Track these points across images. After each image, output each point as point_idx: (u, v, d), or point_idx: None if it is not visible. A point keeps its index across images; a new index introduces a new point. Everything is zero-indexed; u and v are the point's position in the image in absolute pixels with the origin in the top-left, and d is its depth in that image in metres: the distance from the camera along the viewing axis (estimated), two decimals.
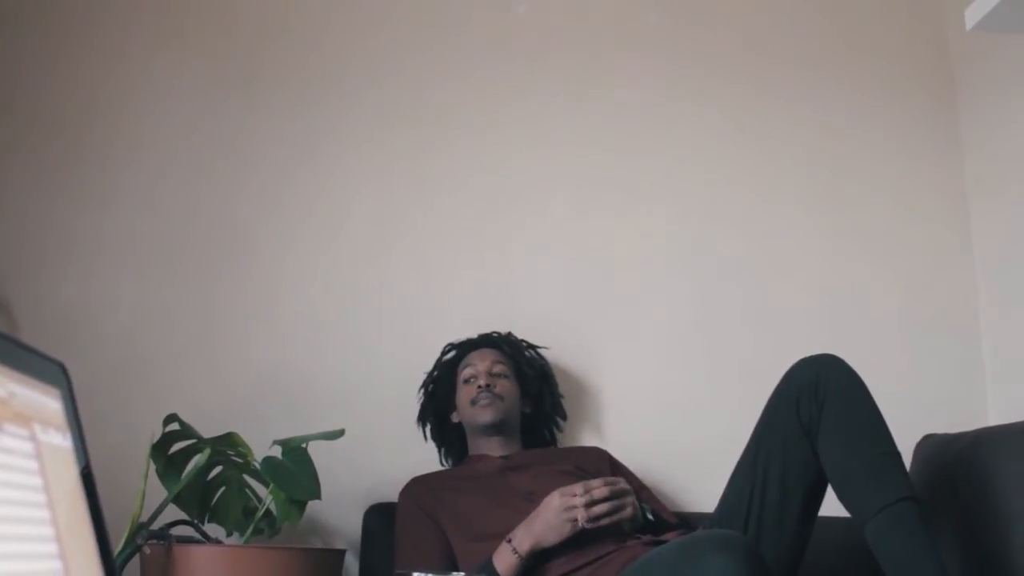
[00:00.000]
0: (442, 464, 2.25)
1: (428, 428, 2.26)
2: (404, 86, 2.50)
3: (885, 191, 2.57)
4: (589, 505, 1.78)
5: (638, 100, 2.56)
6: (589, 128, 2.53)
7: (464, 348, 2.26)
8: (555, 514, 1.79)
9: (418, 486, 2.07)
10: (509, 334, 2.29)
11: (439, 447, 2.26)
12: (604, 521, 1.79)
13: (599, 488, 1.81)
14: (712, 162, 2.55)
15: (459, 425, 2.22)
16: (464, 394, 2.17)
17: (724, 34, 2.62)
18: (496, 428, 2.13)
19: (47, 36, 2.38)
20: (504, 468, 2.08)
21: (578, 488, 1.79)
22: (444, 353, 2.27)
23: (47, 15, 2.39)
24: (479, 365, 2.18)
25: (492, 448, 2.14)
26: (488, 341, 2.26)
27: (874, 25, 2.67)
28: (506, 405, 2.14)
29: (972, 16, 2.08)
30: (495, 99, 2.53)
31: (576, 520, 1.77)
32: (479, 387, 2.13)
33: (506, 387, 2.17)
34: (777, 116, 2.59)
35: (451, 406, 2.22)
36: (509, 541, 1.81)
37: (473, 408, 2.13)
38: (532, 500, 1.92)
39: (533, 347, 2.31)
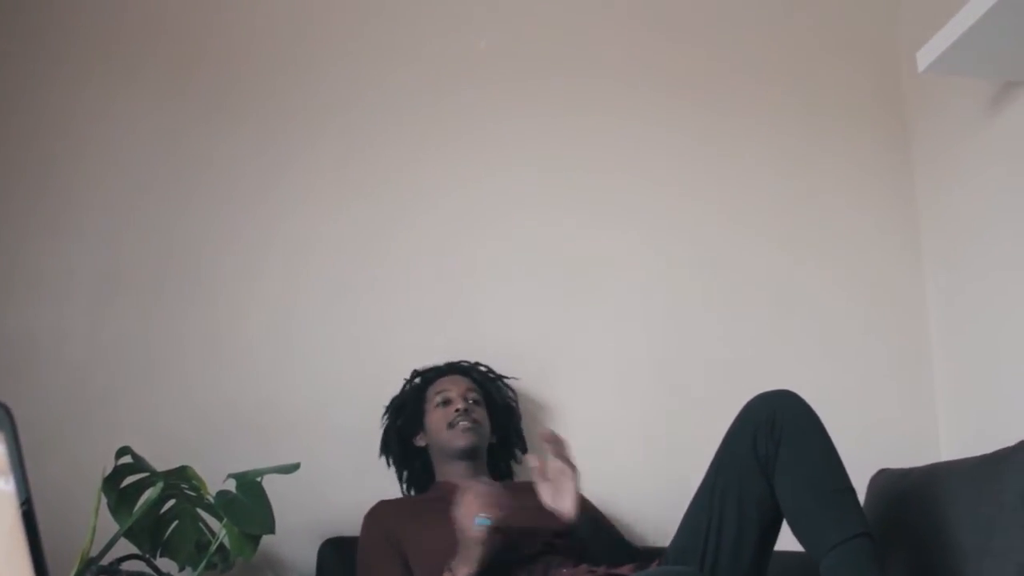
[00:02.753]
0: (402, 490, 2.23)
1: (391, 452, 2.23)
2: (368, 115, 2.50)
3: (839, 230, 2.61)
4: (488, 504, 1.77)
5: (600, 133, 2.58)
6: (552, 157, 2.55)
7: (432, 374, 2.25)
8: (466, 531, 1.77)
9: (384, 509, 2.05)
10: (477, 363, 2.28)
11: (400, 472, 2.24)
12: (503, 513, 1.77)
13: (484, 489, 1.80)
14: (672, 197, 2.57)
15: (423, 449, 2.20)
16: (439, 416, 2.14)
17: (684, 72, 2.65)
18: (470, 454, 2.12)
19: (4, 61, 2.36)
20: None
21: (468, 496, 1.79)
22: (412, 378, 2.26)
23: (7, 41, 2.37)
24: (453, 390, 2.17)
25: (459, 475, 2.13)
26: (458, 368, 2.25)
27: (830, 67, 2.71)
28: (482, 431, 2.14)
29: (924, 58, 2.13)
30: (459, 128, 2.53)
31: (480, 528, 1.75)
32: (457, 410, 2.12)
33: (481, 415, 2.16)
34: (736, 152, 2.62)
35: (417, 429, 2.20)
36: (450, 570, 1.80)
37: (451, 431, 2.11)
38: (501, 530, 1.92)
39: (501, 377, 2.30)
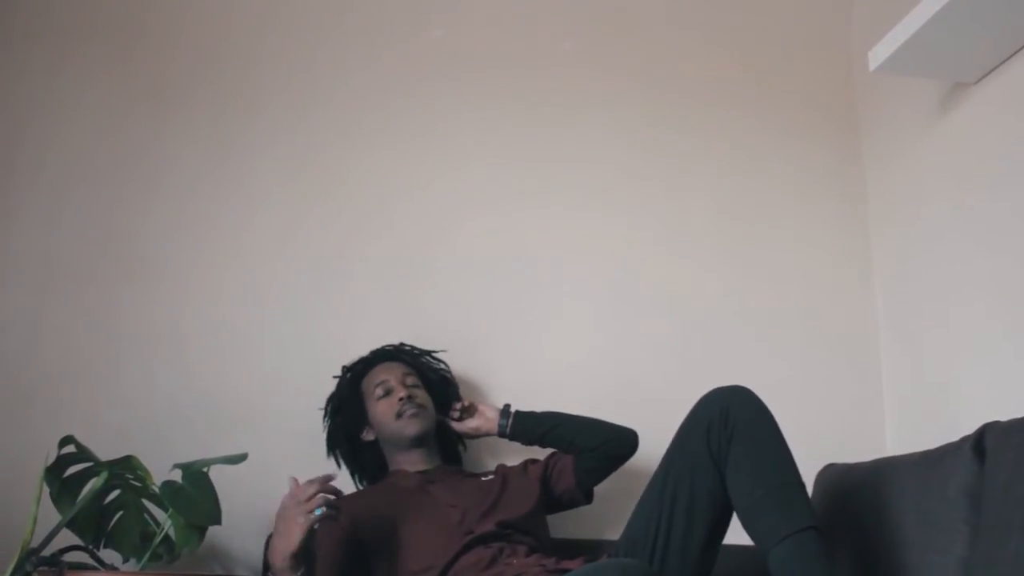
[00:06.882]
0: (356, 485, 2.21)
1: (339, 454, 2.21)
2: (316, 105, 2.49)
3: (789, 226, 2.64)
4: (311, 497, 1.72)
5: (552, 124, 2.59)
6: (504, 149, 2.55)
7: (362, 366, 2.22)
8: (283, 519, 1.73)
9: (337, 502, 2.02)
10: (402, 344, 2.27)
11: (353, 472, 2.22)
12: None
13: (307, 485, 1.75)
14: (622, 189, 2.59)
15: (371, 444, 2.18)
16: (384, 407, 2.13)
17: (639, 67, 2.67)
18: (421, 440, 2.11)
19: None
20: (424, 482, 2.06)
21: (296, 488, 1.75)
22: (343, 375, 2.24)
23: None
24: (391, 378, 2.15)
25: (412, 462, 2.12)
26: (386, 355, 2.24)
27: (783, 64, 2.74)
28: (429, 414, 2.14)
29: (875, 58, 2.16)
30: (409, 120, 2.53)
31: (304, 518, 1.70)
32: (401, 399, 2.10)
33: (423, 397, 2.16)
34: (688, 146, 2.64)
35: (362, 425, 2.18)
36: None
37: (399, 421, 2.10)
38: (453, 510, 1.94)
39: (429, 353, 2.29)
